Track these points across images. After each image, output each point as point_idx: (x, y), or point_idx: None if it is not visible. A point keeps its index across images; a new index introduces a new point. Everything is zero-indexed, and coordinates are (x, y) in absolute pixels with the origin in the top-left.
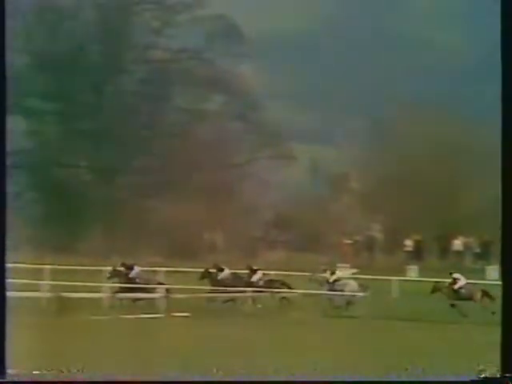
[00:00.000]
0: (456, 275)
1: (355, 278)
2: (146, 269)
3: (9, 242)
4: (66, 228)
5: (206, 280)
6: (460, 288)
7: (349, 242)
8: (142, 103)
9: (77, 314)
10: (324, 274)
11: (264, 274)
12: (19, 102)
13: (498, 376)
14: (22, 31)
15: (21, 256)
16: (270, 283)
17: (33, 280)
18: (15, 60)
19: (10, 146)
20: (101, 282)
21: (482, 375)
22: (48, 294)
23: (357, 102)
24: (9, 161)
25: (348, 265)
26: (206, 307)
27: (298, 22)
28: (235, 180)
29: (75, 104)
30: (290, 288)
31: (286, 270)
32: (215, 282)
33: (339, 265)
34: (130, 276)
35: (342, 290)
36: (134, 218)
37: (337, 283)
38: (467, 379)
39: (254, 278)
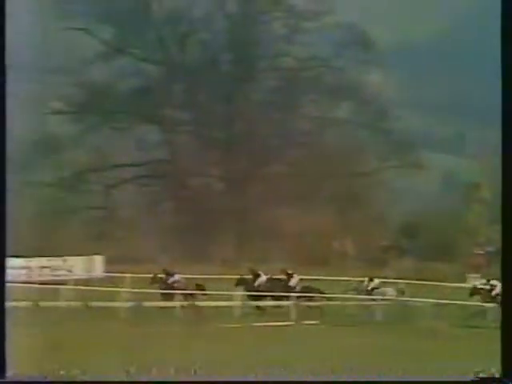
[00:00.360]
0: (493, 282)
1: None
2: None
3: (144, 251)
4: (198, 236)
5: (242, 286)
6: (497, 295)
7: (480, 252)
8: (272, 111)
9: (210, 322)
10: (362, 280)
11: (301, 279)
12: (154, 112)
13: (498, 376)
14: (157, 43)
15: (155, 265)
16: (305, 289)
17: (168, 290)
18: (151, 71)
19: (144, 156)
20: (232, 290)
21: (482, 375)
22: (183, 303)
23: (486, 111)
24: (144, 170)
25: (479, 275)
26: (336, 314)
27: (426, 30)
28: (364, 188)
29: (207, 113)
30: (321, 293)
31: (415, 279)
32: (252, 288)
33: (470, 275)
34: (169, 282)
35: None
36: (265, 226)
37: (375, 291)
38: (467, 379)
39: (292, 282)
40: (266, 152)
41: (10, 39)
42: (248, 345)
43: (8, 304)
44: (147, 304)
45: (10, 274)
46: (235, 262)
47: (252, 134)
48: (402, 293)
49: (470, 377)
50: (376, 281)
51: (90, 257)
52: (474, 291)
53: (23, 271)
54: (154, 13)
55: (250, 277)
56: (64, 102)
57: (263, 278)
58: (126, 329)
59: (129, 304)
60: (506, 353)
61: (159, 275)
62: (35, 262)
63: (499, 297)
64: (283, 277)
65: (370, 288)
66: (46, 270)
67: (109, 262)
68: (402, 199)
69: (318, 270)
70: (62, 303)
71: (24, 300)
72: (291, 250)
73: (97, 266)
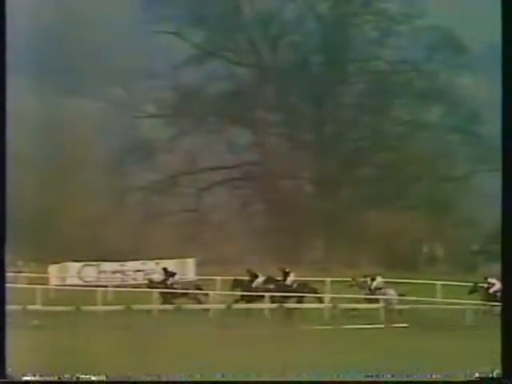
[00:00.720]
0: (491, 280)
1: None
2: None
3: (235, 253)
4: (288, 239)
5: (238, 288)
6: (495, 292)
7: None
8: (363, 114)
9: (300, 324)
10: (364, 280)
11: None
12: (245, 115)
13: (498, 376)
14: (248, 46)
15: (243, 267)
16: (300, 287)
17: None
18: (242, 73)
19: (235, 158)
20: (324, 293)
21: (482, 375)
22: (272, 305)
23: None
24: (235, 173)
25: None
26: (426, 317)
27: None
28: (454, 193)
29: (298, 115)
30: (316, 293)
31: None
32: (249, 289)
33: None
34: (168, 283)
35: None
36: (354, 229)
37: (378, 291)
38: (467, 379)
39: (288, 281)
40: (356, 155)
41: (104, 44)
42: (340, 347)
43: (103, 308)
44: (237, 306)
45: (104, 278)
46: (324, 265)
47: (342, 136)
48: (402, 295)
49: (470, 377)
50: (378, 280)
51: (183, 260)
52: (473, 289)
53: (118, 275)
54: (245, 15)
55: (247, 278)
56: (157, 106)
57: (261, 279)
58: (216, 331)
59: (219, 306)
60: (506, 353)
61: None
62: (129, 266)
63: (497, 294)
64: (279, 278)
65: (372, 287)
66: (140, 274)
67: (200, 264)
68: (492, 204)
69: (407, 274)
70: (154, 306)
71: (118, 304)
72: (380, 253)
73: (189, 268)
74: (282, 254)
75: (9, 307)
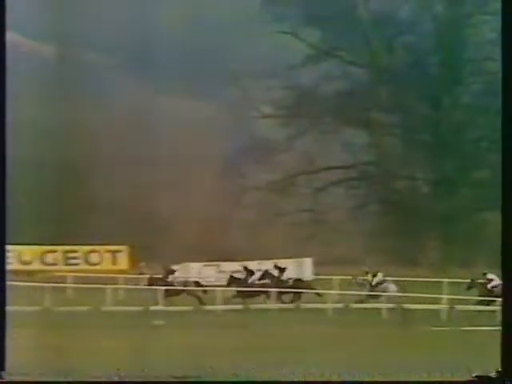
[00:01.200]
0: (490, 275)
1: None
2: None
3: (351, 254)
4: (405, 239)
5: (233, 285)
6: (493, 287)
7: None
8: (479, 115)
9: (419, 324)
10: (366, 277)
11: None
12: (360, 115)
13: (498, 376)
14: (364, 45)
15: (359, 267)
16: (295, 284)
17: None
18: (357, 73)
19: (351, 158)
20: (440, 294)
21: (482, 375)
22: (390, 305)
23: None
24: (350, 173)
25: None
26: None
27: None
28: None
29: (413, 116)
30: (311, 288)
31: None
32: (245, 284)
33: None
34: (168, 280)
35: (382, 293)
36: (471, 230)
37: (379, 286)
38: (466, 379)
39: (284, 277)
40: (473, 156)
41: (221, 44)
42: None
43: (223, 307)
44: (355, 306)
45: (224, 278)
46: (440, 266)
47: (459, 137)
48: (403, 289)
49: (470, 377)
50: (379, 276)
51: (300, 259)
52: (471, 285)
53: (236, 274)
54: (361, 15)
55: (243, 276)
56: (273, 106)
57: (256, 275)
58: (334, 331)
59: (337, 306)
60: (506, 352)
61: (155, 276)
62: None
63: (495, 289)
64: (275, 272)
65: (373, 283)
66: (258, 273)
67: (317, 264)
68: None
69: None
70: (272, 306)
71: (238, 303)
72: (497, 254)
73: (306, 268)
74: (397, 254)
75: (130, 308)
